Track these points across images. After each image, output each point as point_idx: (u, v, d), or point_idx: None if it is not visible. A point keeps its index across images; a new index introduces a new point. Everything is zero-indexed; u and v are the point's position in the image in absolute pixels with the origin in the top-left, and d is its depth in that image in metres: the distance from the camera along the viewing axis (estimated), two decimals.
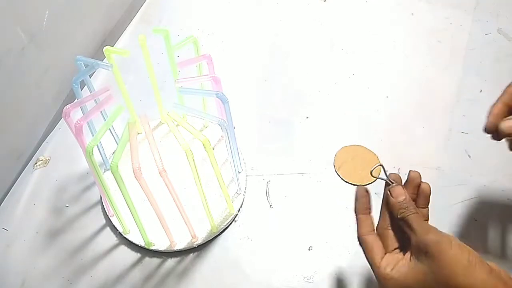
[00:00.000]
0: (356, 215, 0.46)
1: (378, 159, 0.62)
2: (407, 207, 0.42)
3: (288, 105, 0.71)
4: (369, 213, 0.45)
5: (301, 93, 0.73)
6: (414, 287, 0.39)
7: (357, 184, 0.58)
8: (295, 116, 0.70)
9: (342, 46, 0.78)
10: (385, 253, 0.43)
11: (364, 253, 0.44)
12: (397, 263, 0.41)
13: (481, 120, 0.64)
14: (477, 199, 0.60)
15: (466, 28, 0.78)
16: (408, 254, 0.41)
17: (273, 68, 0.76)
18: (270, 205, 0.62)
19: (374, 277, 0.43)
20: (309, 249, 0.58)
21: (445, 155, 0.64)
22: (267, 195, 0.63)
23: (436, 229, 0.41)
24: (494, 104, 0.46)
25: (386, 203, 0.45)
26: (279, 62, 0.77)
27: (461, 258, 0.38)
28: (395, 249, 0.44)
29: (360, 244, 0.45)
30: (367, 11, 0.83)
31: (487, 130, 0.46)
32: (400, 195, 0.43)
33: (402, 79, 0.73)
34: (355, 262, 0.56)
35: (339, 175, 0.60)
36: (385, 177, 0.45)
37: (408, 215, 0.42)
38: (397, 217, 0.43)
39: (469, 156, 0.64)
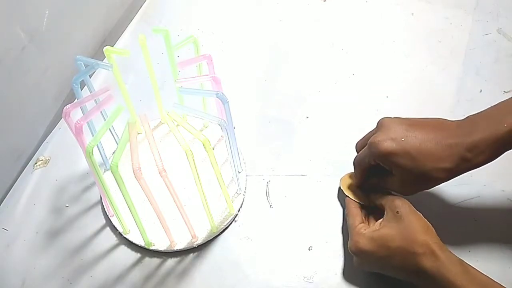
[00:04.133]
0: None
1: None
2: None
3: (288, 105, 0.71)
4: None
5: (301, 93, 0.73)
6: (379, 241, 0.49)
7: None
8: (295, 116, 0.70)
9: (342, 46, 0.78)
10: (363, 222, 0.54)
11: (347, 218, 0.56)
12: (370, 227, 0.52)
13: None
14: (477, 199, 0.60)
15: (466, 28, 0.78)
16: (379, 221, 0.52)
17: (273, 68, 0.76)
18: (270, 205, 0.62)
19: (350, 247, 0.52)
20: (309, 249, 0.58)
21: None
22: (267, 195, 0.63)
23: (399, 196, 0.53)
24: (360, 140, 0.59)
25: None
26: (279, 62, 0.77)
27: (422, 220, 0.49)
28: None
29: (346, 211, 0.57)
30: (367, 11, 0.83)
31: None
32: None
33: (402, 79, 0.73)
34: None
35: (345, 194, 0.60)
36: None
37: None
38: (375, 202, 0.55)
39: None
